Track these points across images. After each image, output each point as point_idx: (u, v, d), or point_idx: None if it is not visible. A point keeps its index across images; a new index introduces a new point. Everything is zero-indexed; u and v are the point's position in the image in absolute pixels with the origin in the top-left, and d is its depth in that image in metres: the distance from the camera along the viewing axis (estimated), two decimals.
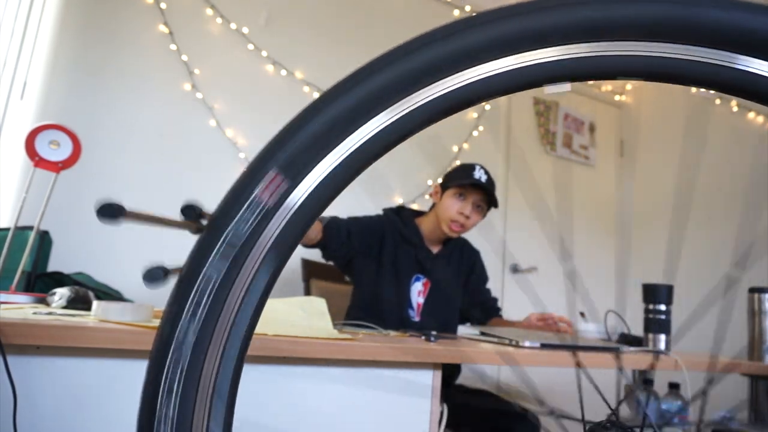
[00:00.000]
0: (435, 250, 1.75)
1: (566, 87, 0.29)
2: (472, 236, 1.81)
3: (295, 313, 1.04)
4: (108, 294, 1.27)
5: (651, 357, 1.36)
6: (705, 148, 2.77)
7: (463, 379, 1.83)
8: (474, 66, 0.28)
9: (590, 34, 0.27)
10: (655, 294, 1.50)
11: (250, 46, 2.25)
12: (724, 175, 2.67)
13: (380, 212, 1.77)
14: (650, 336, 1.49)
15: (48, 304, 1.01)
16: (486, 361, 1.06)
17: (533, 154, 3.01)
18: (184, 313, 0.28)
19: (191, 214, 0.33)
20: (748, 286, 1.65)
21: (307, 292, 1.88)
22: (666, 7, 0.26)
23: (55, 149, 1.08)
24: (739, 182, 2.61)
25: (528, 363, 1.15)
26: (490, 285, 1.87)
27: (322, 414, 0.90)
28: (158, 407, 0.27)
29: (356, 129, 0.29)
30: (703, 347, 1.47)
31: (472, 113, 2.79)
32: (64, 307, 0.97)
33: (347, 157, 0.29)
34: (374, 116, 0.29)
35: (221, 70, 2.19)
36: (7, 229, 1.11)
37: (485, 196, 1.64)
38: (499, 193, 1.68)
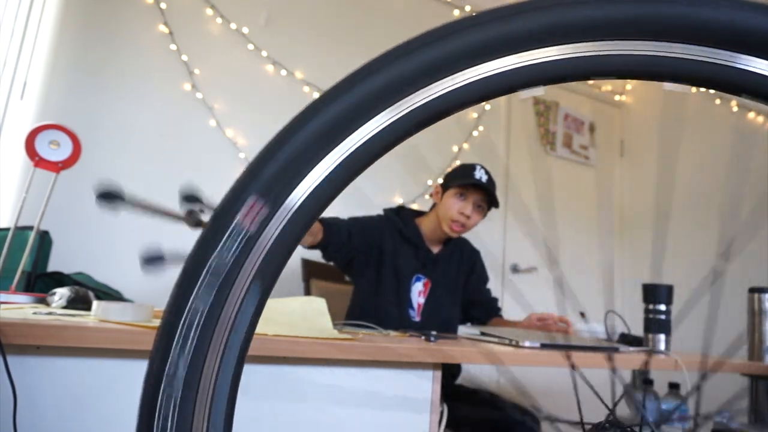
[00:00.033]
0: (435, 250, 1.75)
1: (539, 90, 0.29)
2: (473, 236, 1.81)
3: (295, 313, 1.04)
4: (108, 294, 1.27)
5: (650, 357, 1.36)
6: (705, 148, 2.77)
7: (463, 379, 1.83)
8: (474, 66, 0.28)
9: (590, 33, 0.27)
10: (655, 294, 1.50)
11: (250, 46, 2.25)
12: (724, 174, 2.67)
13: (380, 212, 1.77)
14: (650, 336, 1.49)
15: (48, 304, 1.01)
16: (486, 362, 1.05)
17: (533, 154, 3.01)
18: (175, 340, 0.27)
19: (192, 202, 0.33)
20: (748, 284, 1.65)
21: (307, 292, 1.88)
22: (666, 6, 0.26)
23: (55, 149, 1.08)
24: (739, 182, 2.61)
25: (528, 363, 1.15)
26: (490, 285, 1.87)
27: (322, 414, 0.90)
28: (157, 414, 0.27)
29: (346, 138, 0.28)
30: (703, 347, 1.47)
31: (472, 113, 2.79)
32: (64, 307, 0.97)
33: (342, 161, 0.29)
34: (371, 119, 0.29)
35: (221, 70, 2.19)
36: (7, 229, 1.11)
37: (486, 196, 1.64)
38: (499, 193, 1.68)
